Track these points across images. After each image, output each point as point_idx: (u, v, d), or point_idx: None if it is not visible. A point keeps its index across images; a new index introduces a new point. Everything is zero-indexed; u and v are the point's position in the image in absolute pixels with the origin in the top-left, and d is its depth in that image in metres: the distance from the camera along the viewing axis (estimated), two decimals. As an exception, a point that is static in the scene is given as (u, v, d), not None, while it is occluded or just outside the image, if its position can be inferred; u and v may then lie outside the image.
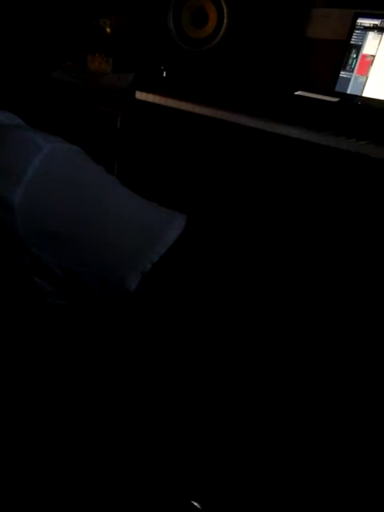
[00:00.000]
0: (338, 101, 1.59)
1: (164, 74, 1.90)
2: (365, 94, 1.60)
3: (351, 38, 1.63)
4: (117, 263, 0.66)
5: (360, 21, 1.62)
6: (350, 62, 1.64)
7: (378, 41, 1.58)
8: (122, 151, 1.85)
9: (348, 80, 1.64)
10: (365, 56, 1.61)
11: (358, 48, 1.62)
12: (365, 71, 1.61)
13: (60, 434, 0.72)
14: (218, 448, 1.23)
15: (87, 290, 0.68)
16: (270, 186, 1.51)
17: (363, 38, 1.61)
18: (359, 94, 1.61)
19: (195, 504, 0.89)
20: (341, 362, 1.38)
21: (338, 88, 1.65)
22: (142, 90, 1.76)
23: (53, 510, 0.72)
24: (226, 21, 1.74)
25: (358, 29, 1.62)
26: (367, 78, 1.60)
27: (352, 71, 1.63)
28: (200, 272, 0.78)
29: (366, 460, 1.26)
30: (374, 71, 1.59)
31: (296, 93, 1.62)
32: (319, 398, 1.35)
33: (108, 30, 2.06)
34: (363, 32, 1.61)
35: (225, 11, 1.74)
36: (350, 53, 1.63)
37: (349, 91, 1.63)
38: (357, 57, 1.62)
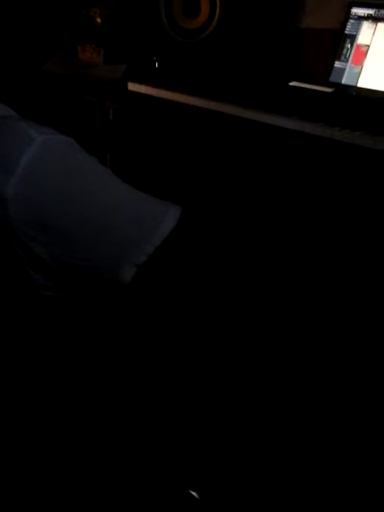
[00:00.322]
0: (333, 91, 1.58)
1: (156, 65, 1.88)
2: (359, 85, 1.59)
3: (345, 27, 1.62)
4: (111, 255, 0.66)
5: (354, 10, 1.61)
6: (344, 52, 1.62)
7: (372, 30, 1.57)
8: (115, 143, 1.83)
9: (343, 70, 1.62)
10: (359, 46, 1.60)
11: (353, 38, 1.61)
12: (359, 61, 1.59)
13: (57, 424, 0.72)
14: (215, 438, 1.23)
15: (82, 282, 0.68)
16: (265, 177, 1.50)
17: (358, 28, 1.60)
18: (354, 85, 1.60)
19: (193, 493, 0.90)
20: (339, 352, 1.38)
21: (332, 78, 1.64)
22: (134, 81, 1.74)
23: (50, 498, 0.72)
24: (218, 11, 1.72)
25: (352, 18, 1.61)
26: (362, 68, 1.59)
27: (347, 61, 1.62)
28: (195, 263, 0.77)
29: (364, 448, 1.26)
30: (368, 61, 1.58)
31: (290, 83, 1.61)
32: (317, 384, 1.35)
33: (98, 19, 2.03)
34: (358, 21, 1.60)
35: (217, 1, 1.72)
36: (344, 43, 1.62)
37: (343, 81, 1.62)
38: (351, 47, 1.61)
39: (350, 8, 1.61)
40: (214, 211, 1.49)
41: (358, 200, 1.36)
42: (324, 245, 1.42)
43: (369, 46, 1.58)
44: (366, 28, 1.59)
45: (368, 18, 1.58)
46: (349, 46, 1.62)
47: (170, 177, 1.66)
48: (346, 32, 1.62)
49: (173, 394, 1.03)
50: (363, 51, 1.59)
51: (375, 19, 1.57)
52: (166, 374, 0.95)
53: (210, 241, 0.81)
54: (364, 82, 1.58)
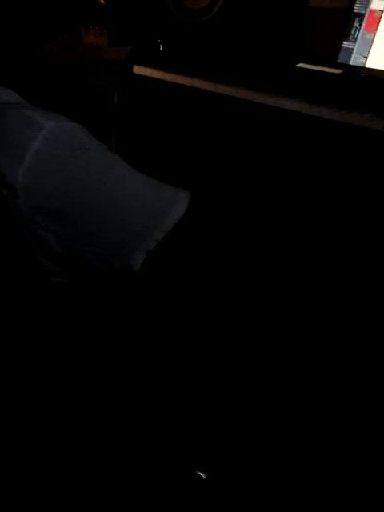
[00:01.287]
0: (341, 73, 1.55)
1: (161, 48, 1.86)
2: (368, 65, 1.56)
3: (354, 6, 1.59)
4: (121, 242, 0.65)
5: (363, -12, 1.57)
6: (352, 32, 1.59)
7: (381, 9, 1.54)
8: (121, 127, 1.81)
9: (351, 50, 1.59)
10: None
11: (361, 17, 1.57)
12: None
13: (65, 406, 0.73)
14: (222, 418, 1.24)
15: (91, 269, 0.68)
16: (273, 162, 1.49)
17: (366, 7, 1.56)
18: (362, 65, 1.57)
19: (201, 474, 0.91)
20: (342, 337, 1.38)
21: (340, 59, 1.61)
22: (139, 64, 1.72)
23: (54, 478, 0.73)
24: (224, -10, 1.69)
25: (360, -4, 1.57)
26: (371, 48, 1.56)
27: (355, 41, 1.59)
28: (205, 249, 0.77)
29: (363, 436, 1.27)
30: (377, 41, 1.55)
31: (297, 65, 1.59)
32: (319, 369, 1.36)
33: (102, 0, 2.00)
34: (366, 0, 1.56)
35: (223, -20, 1.68)
36: (352, 22, 1.59)
37: (351, 62, 1.59)
38: (360, 26, 1.58)
39: (359, -14, 1.57)
40: (223, 196, 1.48)
41: (367, 184, 1.35)
42: (332, 228, 1.41)
43: (377, 26, 1.54)
44: (375, 7, 1.55)
45: (377, -4, 1.54)
46: (357, 25, 1.59)
47: (177, 161, 1.64)
48: (355, 11, 1.59)
49: (179, 377, 1.03)
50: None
51: (385, -2, 1.53)
52: (173, 357, 0.95)
53: (219, 226, 0.81)
54: (373, 63, 1.56)
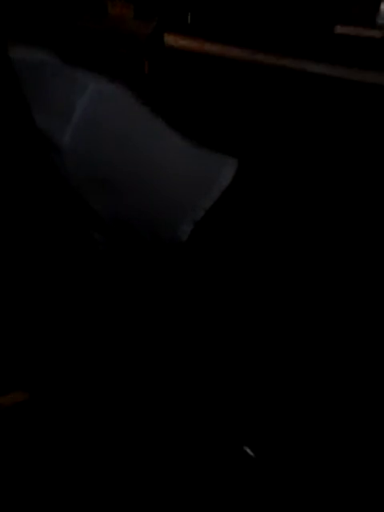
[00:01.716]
0: (382, 37, 1.48)
1: (189, 15, 1.80)
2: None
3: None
4: (169, 212, 0.63)
5: None
6: (393, -8, 1.51)
7: None
8: (153, 97, 1.77)
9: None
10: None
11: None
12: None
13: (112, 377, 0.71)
14: (270, 395, 1.20)
15: (138, 238, 0.65)
16: (314, 128, 1.43)
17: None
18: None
19: (248, 451, 0.89)
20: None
21: (380, 20, 1.53)
22: (168, 32, 1.67)
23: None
24: None
25: None
26: (413, 7, 1.48)
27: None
28: (252, 216, 0.73)
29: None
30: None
31: (335, 28, 1.51)
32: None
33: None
34: None
35: None
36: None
37: (392, 24, 1.51)
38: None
39: None
40: (267, 164, 1.42)
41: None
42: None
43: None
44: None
45: None
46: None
47: (216, 129, 1.59)
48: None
49: (230, 351, 1.00)
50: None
51: None
52: (226, 328, 0.92)
53: (267, 194, 0.77)
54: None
